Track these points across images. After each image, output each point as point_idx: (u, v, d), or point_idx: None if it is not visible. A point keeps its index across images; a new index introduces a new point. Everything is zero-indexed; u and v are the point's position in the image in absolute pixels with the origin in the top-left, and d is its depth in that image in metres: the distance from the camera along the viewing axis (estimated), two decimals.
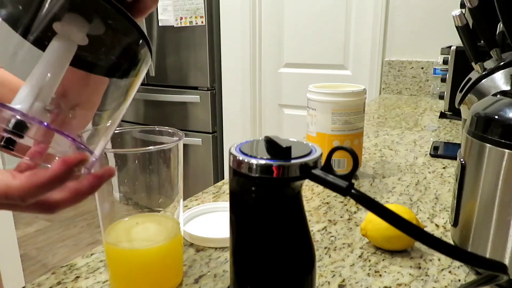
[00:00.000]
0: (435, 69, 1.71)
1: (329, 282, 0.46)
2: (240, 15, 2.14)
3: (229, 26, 2.18)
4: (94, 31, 0.34)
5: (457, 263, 0.49)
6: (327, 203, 0.67)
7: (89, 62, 0.39)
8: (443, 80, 1.21)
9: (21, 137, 0.28)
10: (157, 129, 0.45)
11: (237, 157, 0.31)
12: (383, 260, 0.50)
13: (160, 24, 2.23)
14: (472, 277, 0.47)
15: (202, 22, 2.12)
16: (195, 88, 2.26)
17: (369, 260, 0.50)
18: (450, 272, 0.48)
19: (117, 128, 0.44)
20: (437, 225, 0.59)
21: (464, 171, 0.46)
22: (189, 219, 0.60)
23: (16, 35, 0.35)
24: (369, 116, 1.34)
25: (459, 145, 0.98)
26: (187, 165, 2.36)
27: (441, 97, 1.19)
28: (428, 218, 0.61)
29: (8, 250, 1.70)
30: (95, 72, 0.40)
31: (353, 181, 0.29)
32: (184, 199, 0.50)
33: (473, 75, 0.69)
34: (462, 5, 1.18)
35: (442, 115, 1.34)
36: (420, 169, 0.82)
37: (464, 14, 0.67)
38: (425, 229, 0.57)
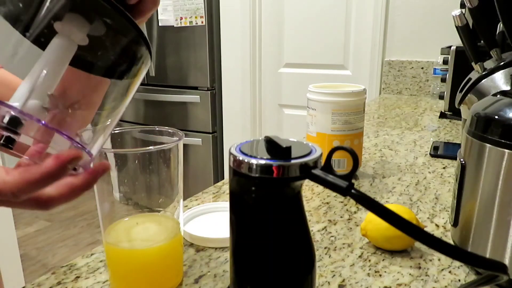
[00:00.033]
0: (435, 69, 1.71)
1: (329, 282, 0.46)
2: (240, 15, 2.14)
3: (229, 26, 2.18)
4: (94, 31, 0.34)
5: (457, 263, 0.49)
6: (327, 203, 0.67)
7: (88, 62, 0.39)
8: (443, 80, 1.21)
9: (16, 133, 0.28)
10: (157, 129, 0.45)
11: (237, 157, 0.31)
12: (383, 260, 0.50)
13: (160, 24, 2.23)
14: (472, 277, 0.47)
15: (202, 22, 2.12)
16: (195, 88, 2.26)
17: (369, 260, 0.50)
18: (450, 272, 0.48)
19: (117, 128, 0.44)
20: (437, 225, 0.59)
21: (464, 171, 0.46)
22: (189, 219, 0.60)
23: (16, 34, 0.35)
24: (369, 116, 1.34)
25: (459, 145, 0.98)
26: (187, 165, 2.36)
27: (441, 97, 1.19)
28: (428, 218, 0.61)
29: (8, 250, 1.70)
30: (94, 72, 0.40)
31: (353, 181, 0.29)
32: (184, 199, 0.50)
33: (473, 75, 0.69)
34: (462, 5, 1.18)
35: (442, 115, 1.34)
36: (420, 169, 0.82)
37: (464, 14, 0.67)
38: (425, 229, 0.57)
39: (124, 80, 0.38)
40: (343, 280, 0.46)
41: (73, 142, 0.29)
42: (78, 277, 0.47)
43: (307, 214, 0.61)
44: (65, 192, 0.30)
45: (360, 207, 0.65)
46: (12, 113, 0.28)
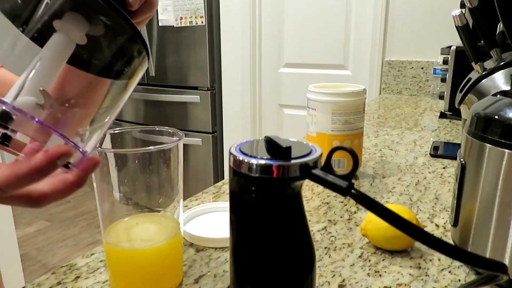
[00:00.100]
0: (435, 69, 1.71)
1: (329, 282, 0.46)
2: (240, 15, 2.14)
3: (229, 26, 2.18)
4: (93, 31, 0.34)
5: (457, 263, 0.49)
6: (327, 203, 0.67)
7: (85, 61, 0.39)
8: (443, 80, 1.21)
9: (6, 128, 0.28)
10: (157, 129, 0.45)
11: (237, 157, 0.31)
12: (383, 260, 0.50)
13: (160, 24, 2.23)
14: (472, 277, 0.47)
15: (202, 22, 2.12)
16: (195, 88, 2.26)
17: (369, 260, 0.50)
18: (450, 272, 0.48)
19: (117, 128, 0.44)
20: (437, 225, 0.59)
21: (464, 171, 0.46)
22: (189, 219, 0.60)
23: (15, 32, 0.35)
24: (369, 116, 1.34)
25: (459, 145, 0.98)
26: (187, 165, 2.36)
27: (441, 97, 1.19)
28: (428, 218, 0.61)
29: (8, 250, 1.70)
30: (92, 72, 0.40)
31: (353, 181, 0.29)
32: (184, 199, 0.50)
33: (473, 75, 0.69)
34: (462, 5, 1.18)
35: (442, 115, 1.34)
36: (420, 169, 0.82)
37: (464, 14, 0.67)
38: (425, 229, 0.57)
39: (121, 79, 0.38)
40: (343, 280, 0.46)
41: (64, 139, 0.28)
42: (78, 277, 0.47)
43: (307, 214, 0.61)
44: (57, 189, 0.30)
45: (360, 207, 0.65)
46: (3, 107, 0.28)
